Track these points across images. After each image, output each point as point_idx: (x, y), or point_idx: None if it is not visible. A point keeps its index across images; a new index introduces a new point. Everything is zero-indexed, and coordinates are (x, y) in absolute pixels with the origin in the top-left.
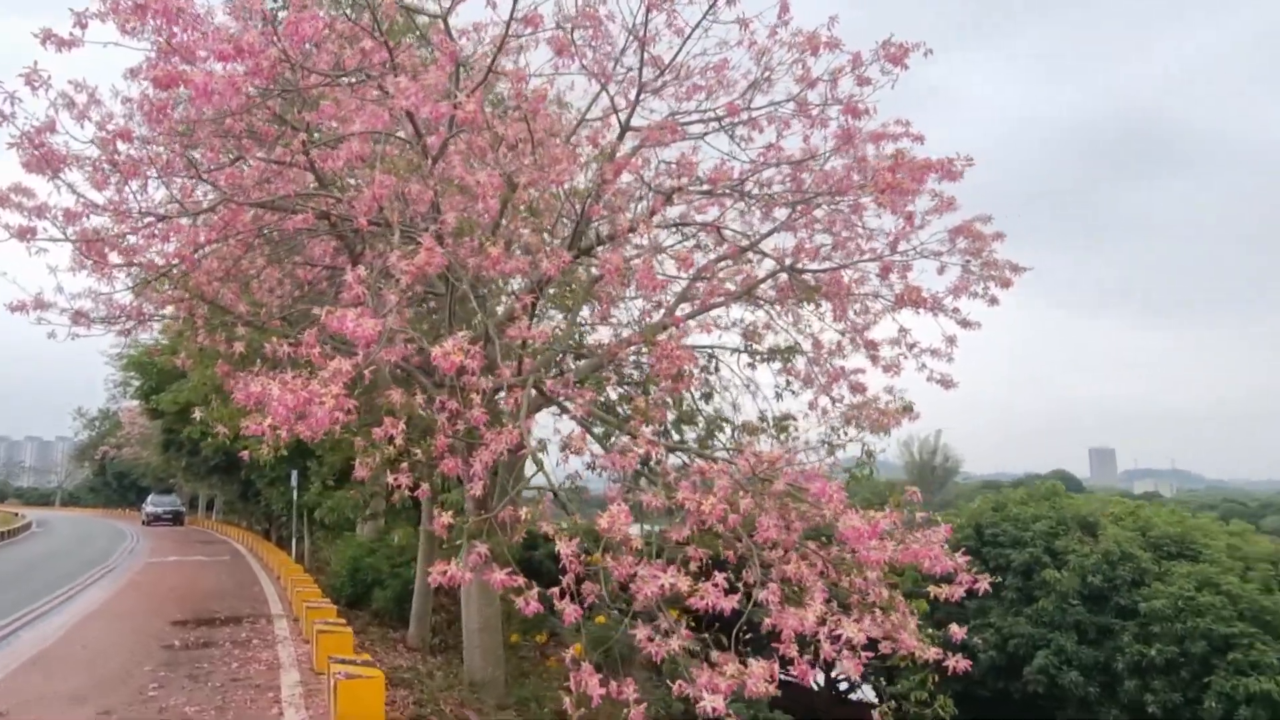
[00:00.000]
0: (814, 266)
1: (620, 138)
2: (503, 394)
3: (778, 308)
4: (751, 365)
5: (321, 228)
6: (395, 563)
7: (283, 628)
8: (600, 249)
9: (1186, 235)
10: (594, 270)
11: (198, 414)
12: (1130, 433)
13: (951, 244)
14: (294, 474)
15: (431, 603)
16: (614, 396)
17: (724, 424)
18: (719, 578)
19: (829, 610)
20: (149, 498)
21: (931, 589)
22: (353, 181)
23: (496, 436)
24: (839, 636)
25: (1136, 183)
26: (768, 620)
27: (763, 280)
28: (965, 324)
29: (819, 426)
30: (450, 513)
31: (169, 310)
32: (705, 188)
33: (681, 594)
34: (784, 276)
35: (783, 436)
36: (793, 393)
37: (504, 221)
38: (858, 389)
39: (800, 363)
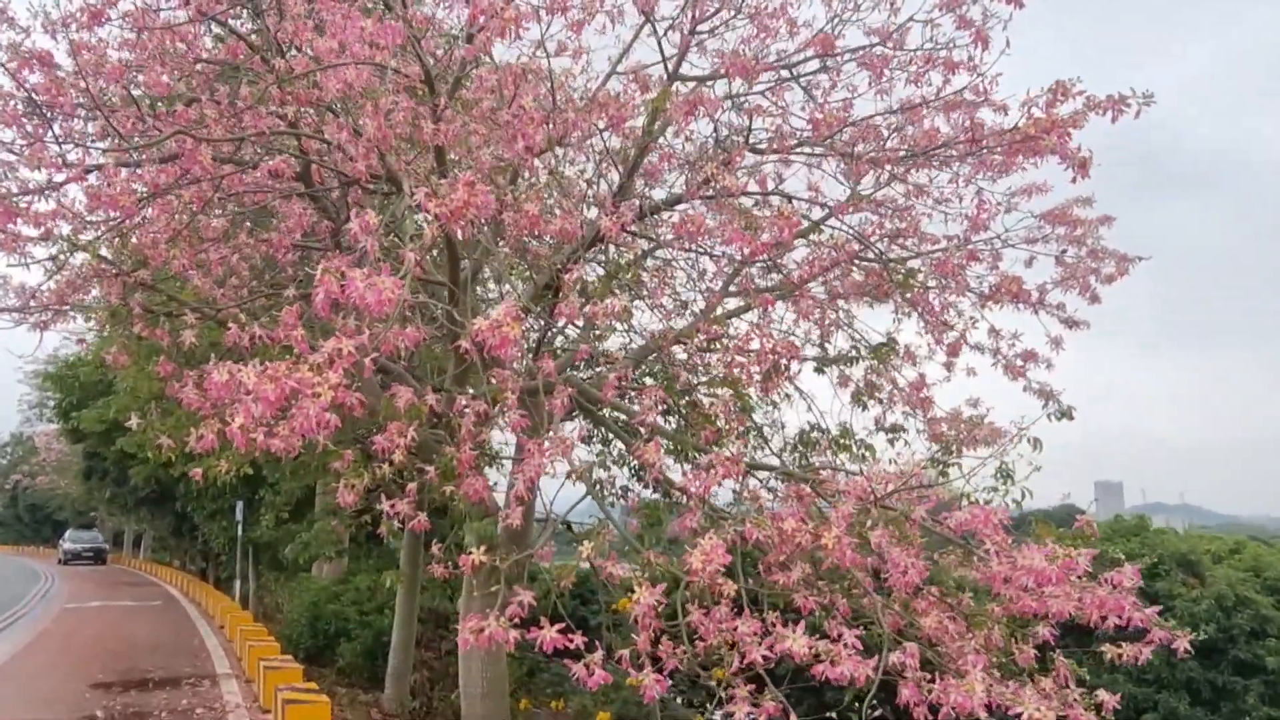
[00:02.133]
0: (895, 251)
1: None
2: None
3: (841, 302)
4: (820, 371)
5: (298, 187)
6: (364, 610)
7: (233, 692)
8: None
9: (1197, 258)
10: (642, 244)
11: (134, 421)
12: (1137, 466)
13: (1049, 230)
14: (239, 505)
15: (413, 658)
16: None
17: (817, 440)
18: (849, 636)
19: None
20: (67, 533)
21: (1107, 649)
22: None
23: (539, 447)
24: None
25: (1141, 202)
26: (905, 692)
27: (838, 264)
28: (1071, 323)
29: (903, 446)
30: (482, 549)
31: (97, 294)
32: (795, 141)
33: (802, 660)
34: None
35: (868, 456)
36: (864, 405)
37: (532, 176)
38: (923, 404)
39: (859, 371)
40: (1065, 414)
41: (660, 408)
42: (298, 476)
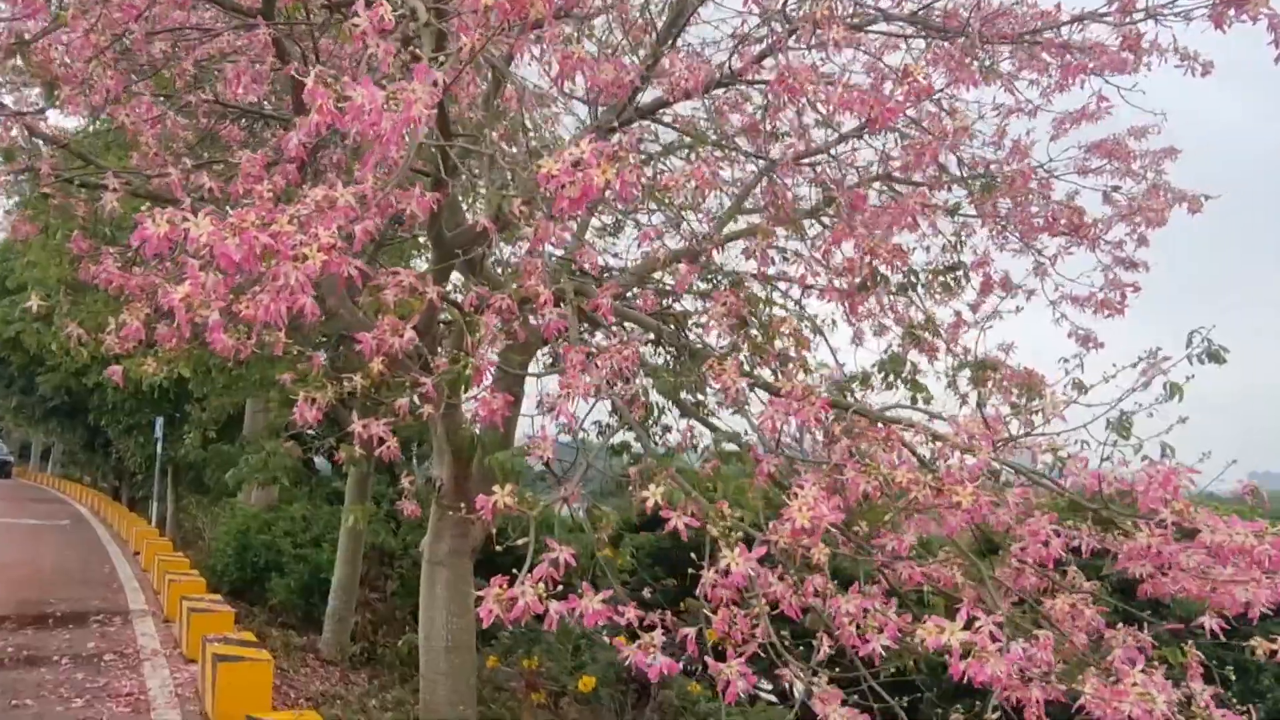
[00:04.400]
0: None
1: None
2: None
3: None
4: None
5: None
6: (299, 542)
7: (149, 633)
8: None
9: None
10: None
11: (33, 303)
12: None
13: (1099, 163)
14: (159, 421)
15: (356, 599)
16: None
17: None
18: (989, 624)
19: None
20: None
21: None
22: None
23: (581, 362)
24: None
25: None
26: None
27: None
28: (1131, 264)
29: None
30: (509, 490)
31: None
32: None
33: (946, 652)
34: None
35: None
36: (919, 342)
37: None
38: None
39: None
40: (1214, 356)
41: (730, 320)
42: (231, 390)
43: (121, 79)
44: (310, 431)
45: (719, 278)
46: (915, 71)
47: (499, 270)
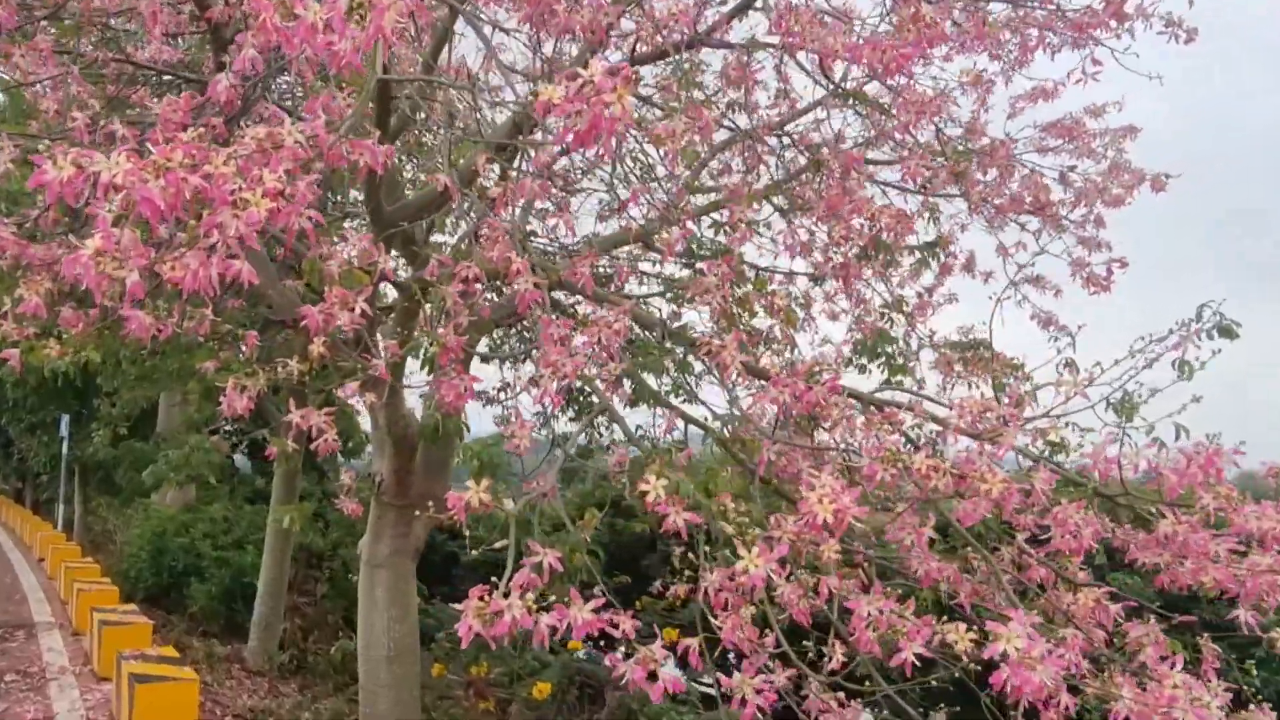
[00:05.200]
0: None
1: None
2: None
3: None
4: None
5: None
6: (219, 544)
7: (56, 648)
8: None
9: None
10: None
11: None
12: None
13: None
14: (64, 419)
15: (285, 604)
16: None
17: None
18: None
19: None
20: None
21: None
22: None
23: (564, 338)
24: None
25: None
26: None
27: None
28: (1095, 245)
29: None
30: (483, 485)
31: None
32: None
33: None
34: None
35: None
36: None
37: None
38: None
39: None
40: (1226, 331)
41: (722, 293)
42: (145, 382)
43: (13, 10)
44: (228, 426)
45: (699, 248)
46: (925, 13)
47: (441, 249)
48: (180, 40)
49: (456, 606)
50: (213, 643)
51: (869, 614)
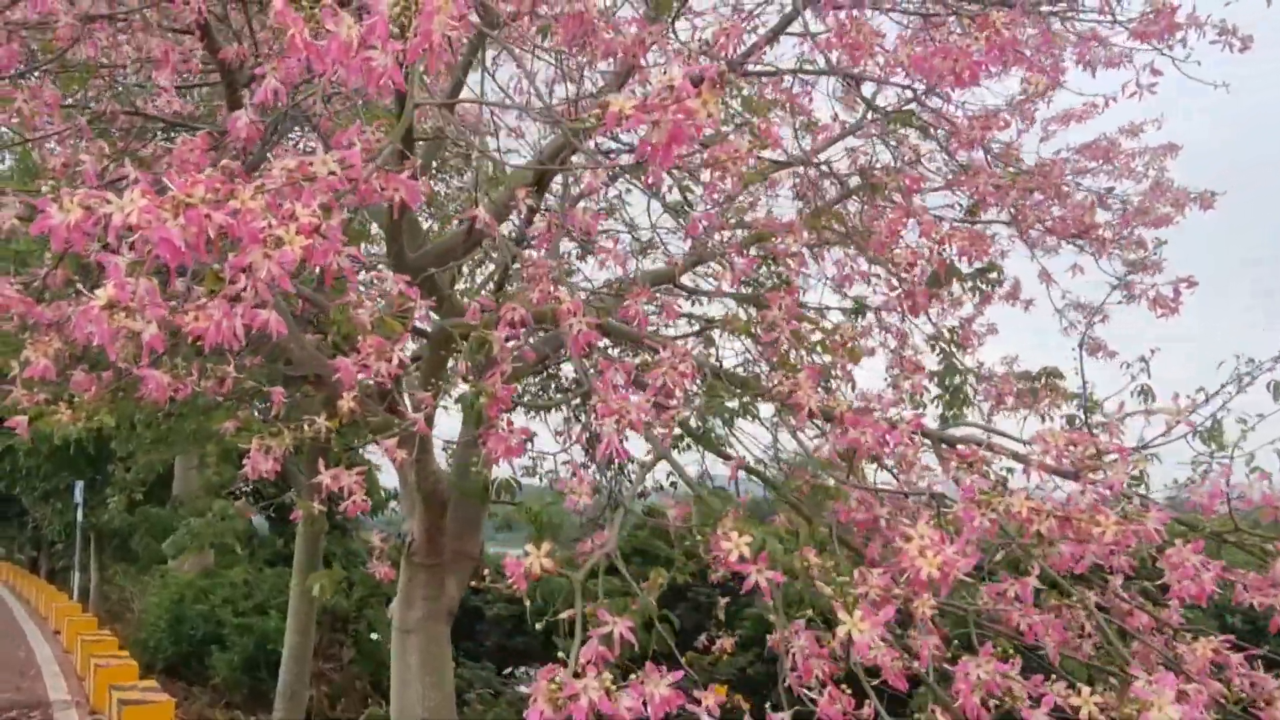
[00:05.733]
0: None
1: None
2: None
3: None
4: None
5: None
6: (240, 610)
7: None
8: None
9: None
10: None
11: None
12: None
13: (1097, 161)
14: (78, 485)
15: (310, 670)
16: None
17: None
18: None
19: None
20: None
21: None
22: None
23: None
24: None
25: None
26: None
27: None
28: (1140, 266)
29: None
30: (544, 550)
31: None
32: None
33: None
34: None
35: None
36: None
37: None
38: None
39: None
40: None
41: (789, 328)
42: (161, 446)
43: (15, 54)
44: (245, 488)
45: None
46: (996, 21)
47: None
48: (193, 94)
49: (480, 668)
50: (237, 715)
51: (978, 677)
